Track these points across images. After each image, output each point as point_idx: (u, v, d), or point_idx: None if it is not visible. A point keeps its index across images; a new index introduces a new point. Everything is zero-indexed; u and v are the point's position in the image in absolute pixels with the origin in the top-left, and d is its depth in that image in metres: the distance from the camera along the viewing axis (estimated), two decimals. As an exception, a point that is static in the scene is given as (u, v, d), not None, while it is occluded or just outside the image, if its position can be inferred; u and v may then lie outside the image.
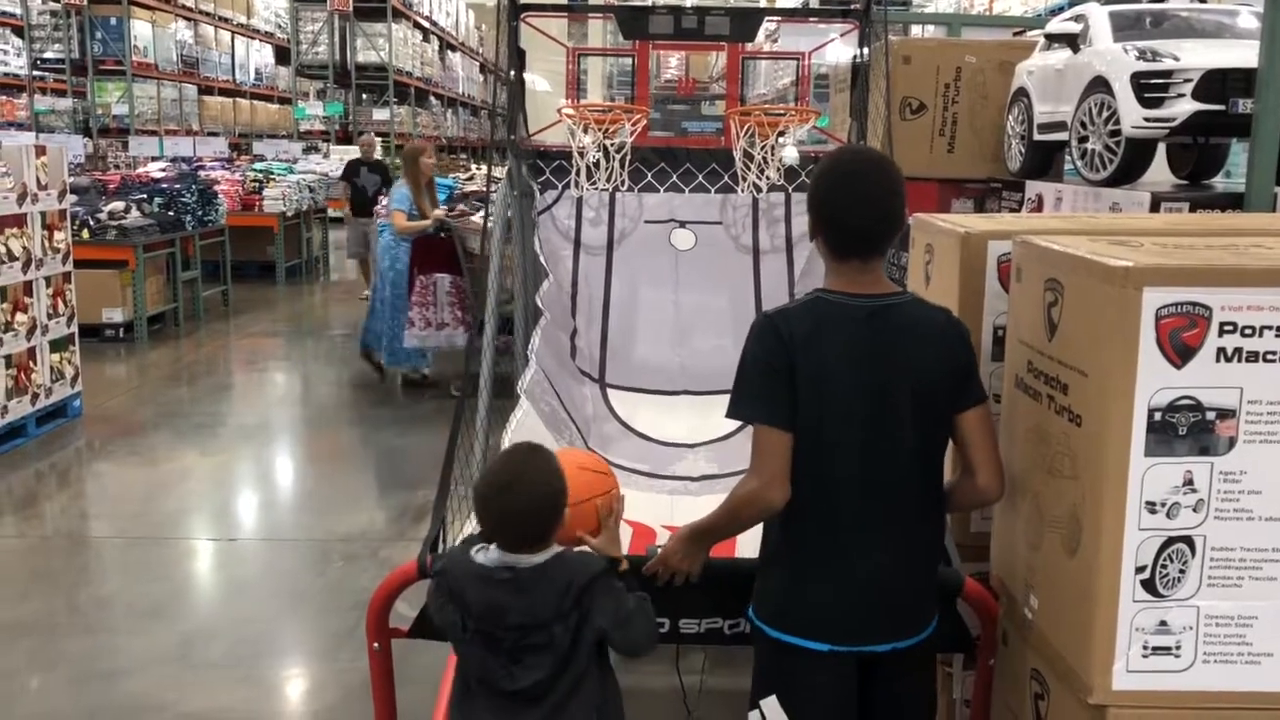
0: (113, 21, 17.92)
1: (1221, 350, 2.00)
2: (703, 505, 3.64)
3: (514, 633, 2.20)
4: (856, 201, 2.25)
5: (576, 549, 2.39)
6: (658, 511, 3.76)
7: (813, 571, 2.27)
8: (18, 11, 19.22)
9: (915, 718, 2.41)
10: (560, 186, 4.93)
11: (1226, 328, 1.99)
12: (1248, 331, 1.99)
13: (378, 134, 21.97)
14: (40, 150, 7.29)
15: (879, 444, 2.23)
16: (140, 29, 18.28)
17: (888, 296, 2.28)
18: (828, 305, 2.26)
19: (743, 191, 4.93)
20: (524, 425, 3.72)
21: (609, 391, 4.60)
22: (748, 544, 3.18)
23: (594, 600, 2.23)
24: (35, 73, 19.41)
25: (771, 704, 2.32)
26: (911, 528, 2.31)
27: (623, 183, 4.89)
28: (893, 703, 2.35)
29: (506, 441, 3.64)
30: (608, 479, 2.72)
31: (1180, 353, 2.00)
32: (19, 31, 19.63)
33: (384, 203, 10.70)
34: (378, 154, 13.58)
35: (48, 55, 18.83)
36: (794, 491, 2.24)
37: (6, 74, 20.85)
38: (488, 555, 2.25)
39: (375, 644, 2.68)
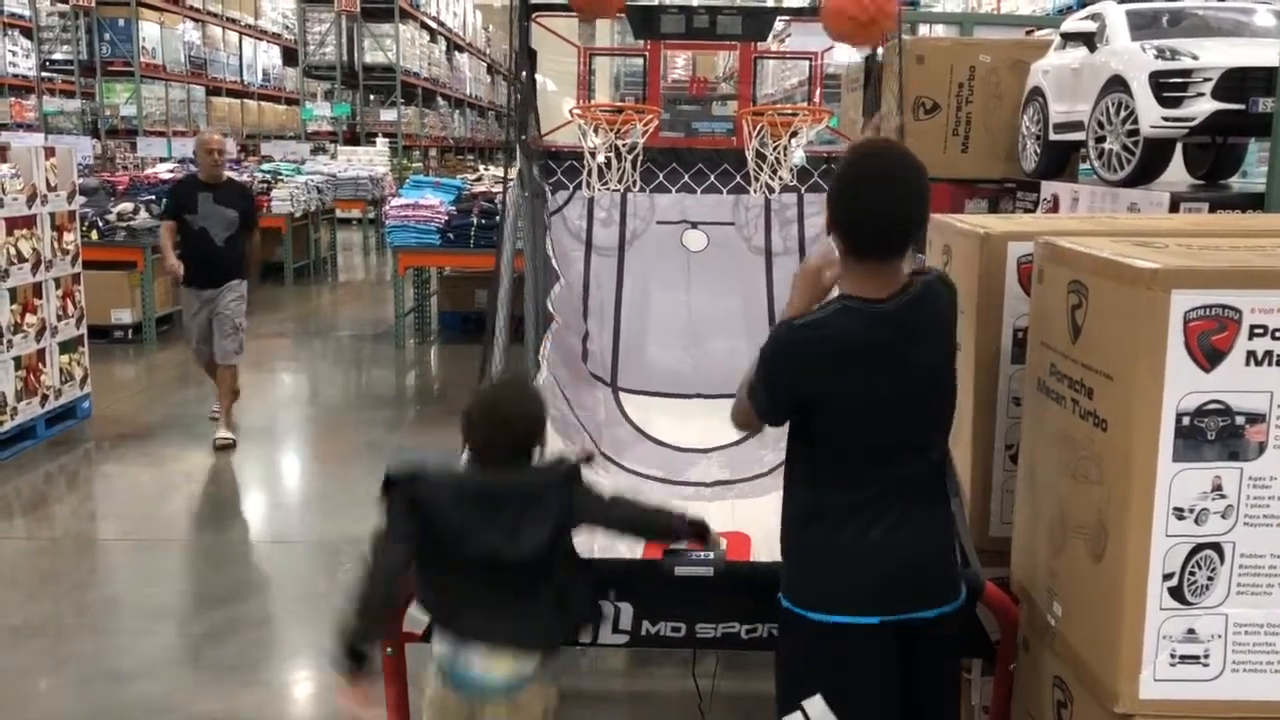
0: (121, 23, 17.95)
1: (1251, 353, 1.96)
2: (715, 511, 3.63)
3: (515, 501, 2.42)
4: (882, 204, 2.20)
5: None
6: None
7: (851, 554, 2.28)
8: (26, 13, 19.28)
9: (953, 693, 2.46)
10: (571, 187, 4.90)
11: (1257, 330, 1.96)
12: (1278, 334, 1.96)
13: (385, 134, 22.11)
14: (49, 151, 7.28)
15: (909, 430, 2.27)
16: (148, 30, 18.31)
17: (905, 293, 2.25)
18: (852, 315, 2.23)
19: (755, 192, 4.89)
20: None
21: (621, 395, 4.57)
22: (763, 548, 3.16)
23: (578, 485, 2.48)
24: (44, 74, 19.47)
25: (816, 703, 2.28)
26: (936, 499, 2.36)
27: (634, 183, 4.86)
28: (936, 676, 2.37)
29: None
30: None
31: (1209, 356, 1.96)
32: (28, 33, 19.70)
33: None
34: (230, 169, 9.29)
35: (56, 56, 18.88)
36: (828, 480, 2.30)
37: (15, 75, 20.92)
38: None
39: (388, 648, 2.66)
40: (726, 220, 4.92)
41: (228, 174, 7.23)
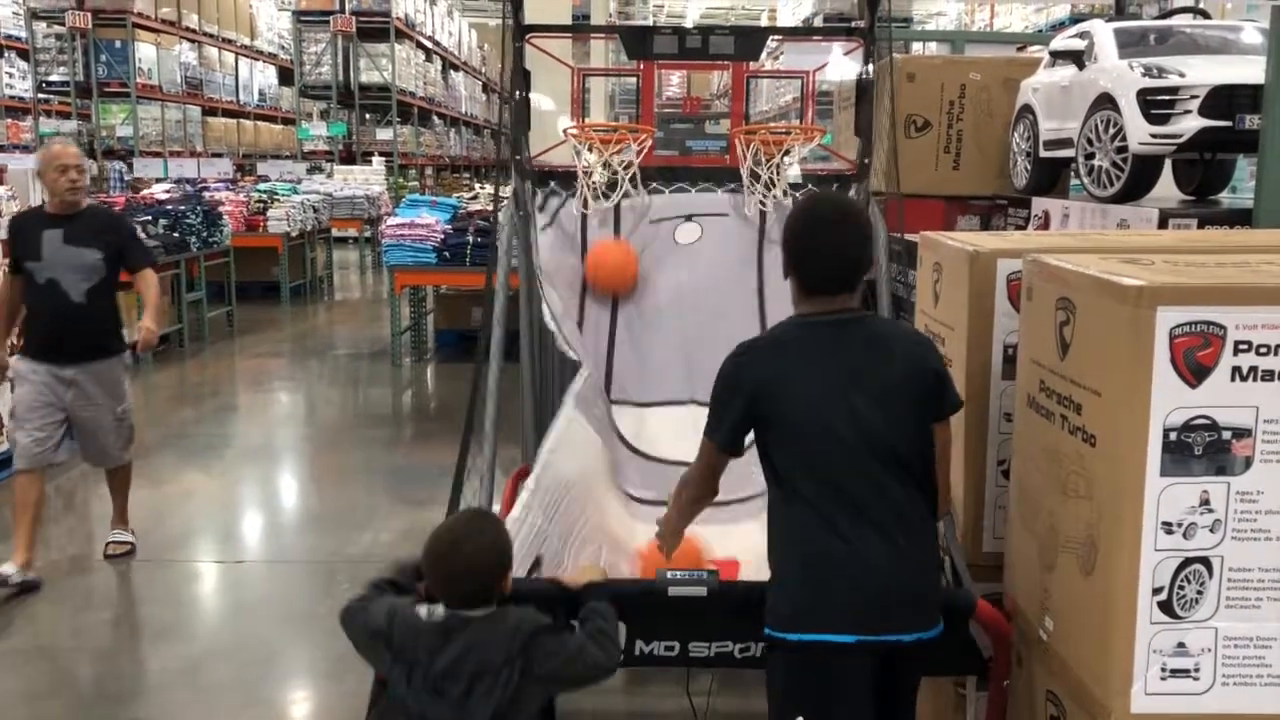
0: (117, 44, 17.98)
1: (1237, 369, 1.99)
2: (710, 535, 3.56)
3: (465, 680, 2.28)
4: (826, 249, 2.48)
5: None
6: None
7: (825, 569, 2.34)
8: (23, 35, 19.31)
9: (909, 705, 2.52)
10: (565, 195, 4.90)
11: (1241, 346, 1.98)
12: (1263, 350, 1.98)
13: (381, 153, 22.16)
14: (46, 173, 7.31)
15: (866, 446, 2.35)
16: (144, 51, 18.34)
17: (853, 311, 2.49)
18: (796, 327, 2.50)
19: (749, 210, 4.90)
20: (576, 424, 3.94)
21: (613, 409, 4.55)
22: (753, 568, 3.16)
23: (537, 650, 2.31)
24: (40, 95, 19.48)
25: None
26: (911, 524, 2.39)
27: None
28: (903, 695, 2.46)
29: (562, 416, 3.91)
30: None
31: (1195, 372, 1.99)
32: (24, 55, 19.72)
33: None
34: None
35: (53, 78, 18.89)
36: (797, 498, 2.38)
37: (12, 97, 20.96)
38: (434, 613, 2.36)
39: (383, 669, 2.66)
40: (721, 211, 4.90)
41: (89, 201, 5.16)
